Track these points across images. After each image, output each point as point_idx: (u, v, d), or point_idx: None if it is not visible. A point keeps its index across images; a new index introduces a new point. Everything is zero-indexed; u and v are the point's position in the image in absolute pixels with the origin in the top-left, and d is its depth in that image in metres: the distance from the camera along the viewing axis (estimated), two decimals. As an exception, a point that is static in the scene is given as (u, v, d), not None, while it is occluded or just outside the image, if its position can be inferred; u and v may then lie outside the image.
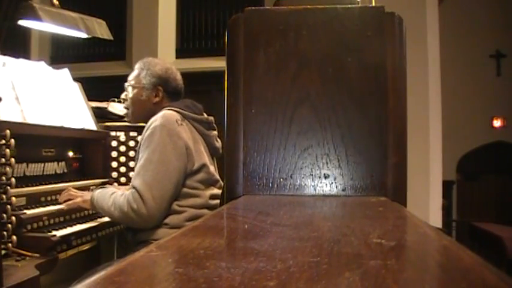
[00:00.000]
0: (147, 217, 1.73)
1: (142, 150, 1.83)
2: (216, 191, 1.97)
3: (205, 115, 2.05)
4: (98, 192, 1.87)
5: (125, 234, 1.97)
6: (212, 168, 1.97)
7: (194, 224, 0.74)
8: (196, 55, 5.61)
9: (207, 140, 1.99)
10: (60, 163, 2.17)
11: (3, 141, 1.58)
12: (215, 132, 2.06)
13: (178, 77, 2.10)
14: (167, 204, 1.78)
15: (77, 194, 1.93)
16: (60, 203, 1.92)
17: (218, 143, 2.06)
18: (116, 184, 2.31)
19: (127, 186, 2.17)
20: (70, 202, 1.91)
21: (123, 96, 2.12)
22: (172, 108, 1.92)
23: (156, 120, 1.85)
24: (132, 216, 1.74)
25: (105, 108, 2.64)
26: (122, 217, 1.77)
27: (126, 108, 2.11)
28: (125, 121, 2.49)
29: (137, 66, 2.10)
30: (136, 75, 2.06)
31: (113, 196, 1.80)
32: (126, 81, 2.10)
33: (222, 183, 2.02)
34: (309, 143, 1.12)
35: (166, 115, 1.87)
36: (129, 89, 2.07)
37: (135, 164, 1.89)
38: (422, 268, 0.51)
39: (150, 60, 2.10)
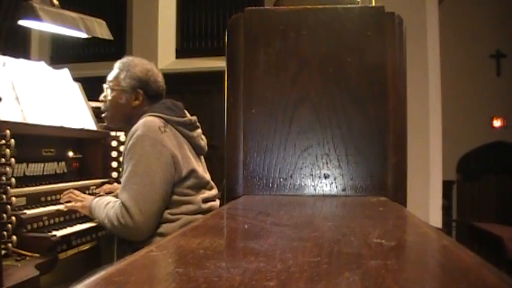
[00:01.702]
0: (135, 231, 1.71)
1: (126, 162, 1.78)
2: (208, 193, 1.92)
3: (187, 114, 1.98)
4: (95, 202, 1.85)
5: (121, 244, 1.94)
6: (201, 170, 1.92)
7: (194, 224, 0.74)
8: (196, 55, 5.61)
9: (192, 141, 1.93)
10: (60, 163, 2.17)
11: (3, 141, 1.58)
12: (199, 131, 2.00)
13: (160, 78, 2.01)
14: (156, 216, 1.75)
15: (78, 198, 1.93)
16: (60, 203, 1.93)
17: (203, 142, 2.01)
18: (115, 184, 2.31)
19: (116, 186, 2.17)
20: (69, 205, 1.91)
21: (101, 97, 2.02)
22: (154, 113, 1.85)
23: (137, 129, 1.78)
24: (122, 230, 1.73)
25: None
26: (113, 230, 1.76)
27: (105, 110, 2.02)
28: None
29: (116, 66, 2.00)
30: (116, 76, 1.97)
31: (107, 207, 1.77)
32: (104, 81, 2.01)
33: (213, 184, 1.99)
34: (309, 143, 1.12)
35: (148, 123, 1.79)
36: (108, 91, 1.98)
37: (121, 175, 1.86)
38: (422, 268, 0.51)
39: (130, 60, 2.00)
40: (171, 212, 1.80)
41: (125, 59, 2.03)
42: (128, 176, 1.74)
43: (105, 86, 2.01)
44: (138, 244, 1.77)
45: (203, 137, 2.03)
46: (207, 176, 1.99)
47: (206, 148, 2.03)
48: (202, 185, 1.91)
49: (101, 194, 2.02)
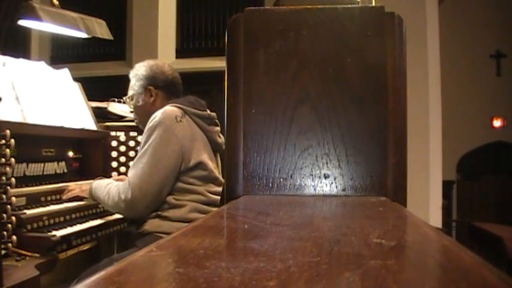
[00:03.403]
0: (130, 206, 1.81)
1: (141, 144, 1.91)
2: (216, 188, 1.98)
3: (208, 111, 2.06)
4: (96, 183, 1.96)
5: (128, 228, 2.00)
6: (212, 165, 1.98)
7: (194, 224, 0.74)
8: (196, 55, 5.61)
9: (209, 135, 2.01)
10: (60, 163, 2.17)
11: (3, 141, 1.58)
12: (218, 128, 2.08)
13: (166, 68, 2.14)
14: (153, 196, 1.83)
15: (75, 186, 2.02)
16: (60, 203, 1.94)
17: (221, 139, 2.08)
18: (123, 176, 2.31)
19: (125, 177, 2.22)
20: (69, 194, 2.00)
21: (129, 110, 2.21)
22: (175, 104, 1.96)
23: (157, 115, 1.91)
24: (121, 205, 1.82)
25: (105, 108, 2.64)
26: (113, 206, 1.86)
27: (134, 118, 2.19)
28: (124, 121, 2.49)
29: (130, 77, 2.16)
30: (130, 86, 2.14)
31: (108, 186, 1.89)
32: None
33: (223, 181, 2.03)
34: (309, 143, 1.12)
35: (166, 111, 1.91)
36: (128, 100, 2.16)
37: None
38: (422, 268, 0.51)
39: (136, 66, 2.16)
40: (175, 197, 1.89)
41: (134, 67, 2.17)
42: (139, 156, 1.88)
43: (127, 99, 2.17)
44: (145, 228, 1.86)
45: (221, 135, 2.10)
46: (218, 173, 2.04)
47: (223, 147, 2.07)
48: (210, 179, 1.97)
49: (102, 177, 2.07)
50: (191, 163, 1.88)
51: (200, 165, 1.91)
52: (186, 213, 1.86)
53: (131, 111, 2.21)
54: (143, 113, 2.09)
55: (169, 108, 1.93)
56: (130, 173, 1.86)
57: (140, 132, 2.15)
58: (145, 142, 1.87)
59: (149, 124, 1.90)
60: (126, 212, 1.88)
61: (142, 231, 1.87)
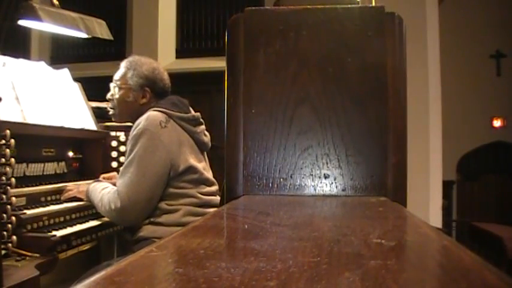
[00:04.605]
0: (122, 214, 1.81)
1: (127, 151, 1.88)
2: (207, 189, 1.97)
3: (191, 111, 2.03)
4: (92, 186, 1.96)
5: (123, 234, 2.00)
6: (201, 166, 1.96)
7: (194, 224, 0.74)
8: (196, 55, 5.61)
9: (195, 137, 1.98)
10: (60, 163, 2.17)
11: (3, 141, 1.58)
12: (202, 127, 2.05)
13: (165, 76, 2.08)
14: (143, 203, 1.82)
15: (74, 187, 2.02)
16: (60, 203, 1.94)
17: (207, 138, 2.05)
18: (114, 173, 2.30)
19: (115, 174, 2.23)
20: (66, 194, 2.00)
21: (108, 95, 2.09)
22: (158, 108, 1.91)
23: (140, 122, 1.87)
24: (113, 214, 1.83)
25: (105, 108, 2.64)
26: (106, 213, 1.87)
27: (112, 108, 2.09)
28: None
29: (123, 65, 2.06)
30: (123, 75, 2.04)
31: (102, 192, 1.88)
32: (107, 81, 2.08)
33: (214, 181, 2.03)
34: (309, 143, 1.12)
35: (150, 117, 1.87)
36: (116, 89, 2.05)
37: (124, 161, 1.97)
38: (422, 268, 0.51)
39: (136, 59, 2.06)
40: (168, 203, 1.87)
41: (131, 58, 2.09)
42: (125, 165, 1.86)
43: (112, 84, 2.08)
44: (140, 234, 1.85)
45: (206, 133, 2.08)
46: (209, 173, 2.02)
47: (209, 144, 2.08)
48: (202, 181, 1.95)
49: (99, 179, 2.06)
50: (180, 168, 1.86)
51: (190, 169, 1.89)
52: (180, 218, 1.85)
53: (109, 99, 2.08)
54: (126, 109, 2.03)
55: (153, 114, 1.88)
56: (118, 182, 1.84)
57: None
58: (131, 150, 1.83)
59: (133, 132, 1.86)
60: (118, 220, 1.89)
61: (137, 238, 1.86)
